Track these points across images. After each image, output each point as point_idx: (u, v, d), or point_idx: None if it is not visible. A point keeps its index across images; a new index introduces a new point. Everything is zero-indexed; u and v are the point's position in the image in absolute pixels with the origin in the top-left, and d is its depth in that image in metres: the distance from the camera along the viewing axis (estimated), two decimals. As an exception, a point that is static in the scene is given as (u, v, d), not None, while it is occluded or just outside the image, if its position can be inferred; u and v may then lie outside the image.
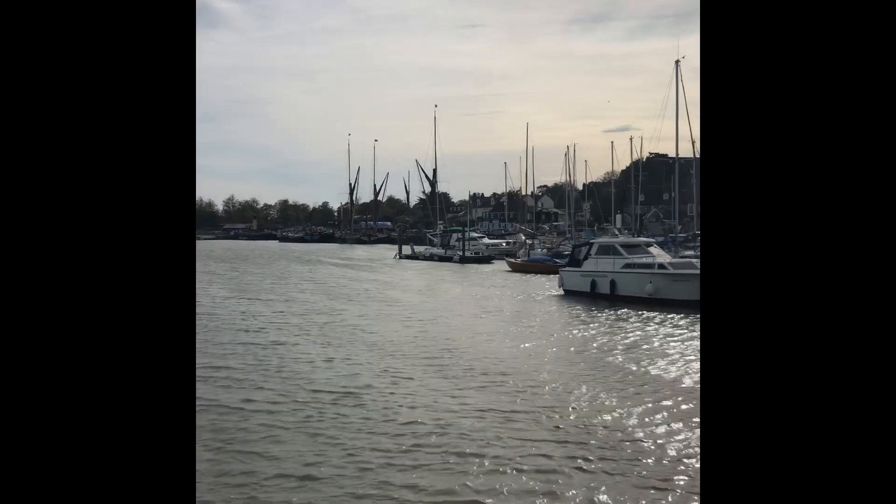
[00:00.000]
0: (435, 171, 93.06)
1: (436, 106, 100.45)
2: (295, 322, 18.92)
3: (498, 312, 21.95)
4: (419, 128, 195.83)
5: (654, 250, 27.46)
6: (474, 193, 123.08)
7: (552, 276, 38.53)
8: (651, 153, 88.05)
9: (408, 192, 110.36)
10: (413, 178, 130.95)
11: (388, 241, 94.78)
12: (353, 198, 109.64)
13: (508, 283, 34.16)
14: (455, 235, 61.25)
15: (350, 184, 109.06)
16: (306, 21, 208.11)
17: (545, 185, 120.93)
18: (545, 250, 53.48)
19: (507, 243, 61.31)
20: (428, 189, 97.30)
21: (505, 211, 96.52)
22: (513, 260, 45.43)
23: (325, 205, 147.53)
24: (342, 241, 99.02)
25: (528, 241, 55.44)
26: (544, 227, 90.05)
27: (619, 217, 72.83)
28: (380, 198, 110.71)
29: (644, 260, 25.99)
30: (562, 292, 28.95)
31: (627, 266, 26.16)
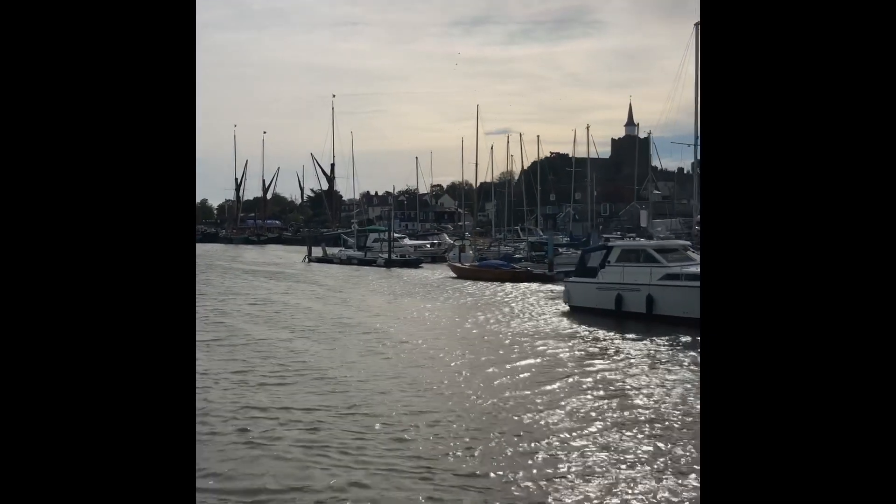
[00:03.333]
0: (333, 165, 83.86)
1: (333, 96, 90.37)
2: (273, 399, 10.33)
3: (554, 359, 14.42)
4: (303, 125, 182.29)
5: (697, 256, 21.05)
6: (367, 191, 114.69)
7: (508, 283, 31.68)
8: (552, 153, 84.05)
9: (302, 189, 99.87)
10: (308, 175, 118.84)
11: (280, 240, 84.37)
12: (240, 194, 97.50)
13: (476, 295, 26.70)
14: (373, 236, 52.90)
15: (236, 178, 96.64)
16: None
17: (440, 185, 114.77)
18: (476, 252, 46.74)
19: (432, 244, 53.78)
20: (325, 185, 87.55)
21: (416, 210, 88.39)
22: (459, 265, 37.85)
23: (203, 202, 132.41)
24: (228, 240, 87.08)
25: (459, 243, 48.28)
26: (448, 227, 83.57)
27: (533, 218, 67.63)
28: (272, 194, 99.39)
29: (694, 269, 19.45)
30: (566, 308, 21.97)
31: (670, 277, 19.51)
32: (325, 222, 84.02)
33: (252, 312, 20.63)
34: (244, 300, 23.86)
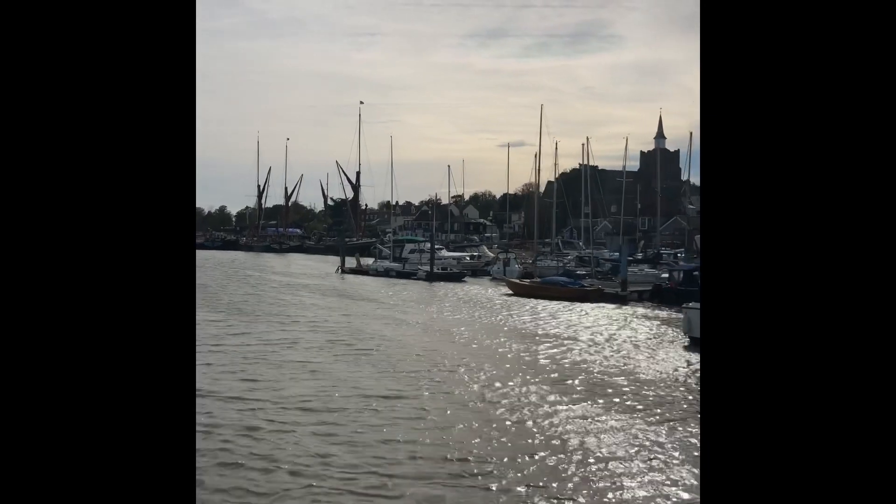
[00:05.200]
0: (358, 174, 79.87)
1: (361, 102, 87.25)
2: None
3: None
4: (319, 134, 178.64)
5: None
6: (387, 201, 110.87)
7: (578, 304, 27.62)
8: (581, 164, 79.82)
9: (326, 197, 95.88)
10: (331, 183, 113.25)
11: (302, 249, 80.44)
12: (262, 201, 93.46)
13: (557, 319, 22.63)
14: (409, 246, 48.89)
15: (259, 185, 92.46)
16: (200, 20, 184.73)
17: (461, 196, 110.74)
18: (521, 266, 42.75)
19: (472, 257, 49.57)
20: (349, 193, 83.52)
21: (448, 221, 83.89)
22: (516, 281, 33.62)
23: (222, 209, 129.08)
24: (248, 248, 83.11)
25: (503, 256, 44.19)
26: (474, 238, 79.52)
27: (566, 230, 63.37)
28: (291, 202, 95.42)
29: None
30: (686, 341, 17.90)
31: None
32: (347, 231, 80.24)
33: (329, 346, 16.36)
34: (306, 325, 19.72)
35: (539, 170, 48.38)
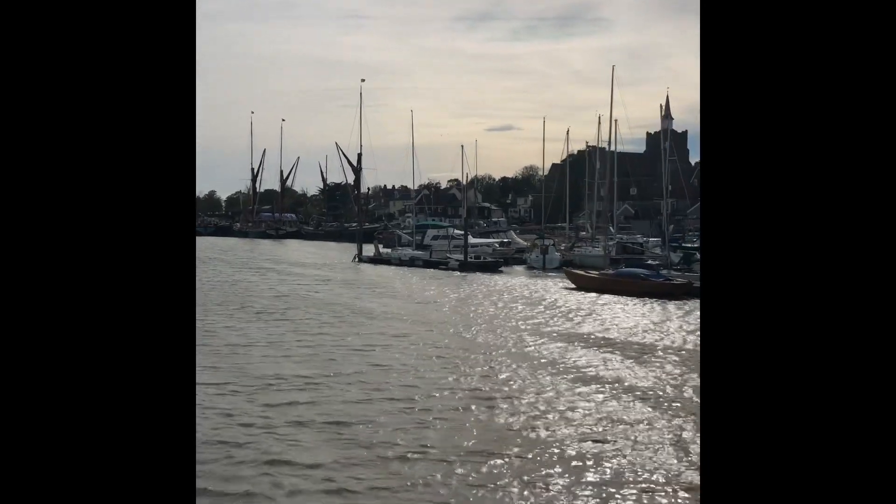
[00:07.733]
0: (360, 156, 74.16)
1: (363, 80, 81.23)
2: None
3: None
4: (309, 119, 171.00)
5: None
6: (384, 185, 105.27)
7: (670, 303, 22.87)
8: (590, 145, 74.80)
9: (325, 180, 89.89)
10: (330, 167, 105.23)
11: (299, 235, 74.96)
12: (257, 185, 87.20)
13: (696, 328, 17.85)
14: (431, 232, 43.83)
15: (252, 168, 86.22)
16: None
17: (456, 180, 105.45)
18: (559, 253, 38.04)
19: (501, 244, 44.48)
20: (350, 177, 77.80)
21: (461, 205, 78.37)
22: (582, 273, 28.53)
23: (211, 194, 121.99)
24: (243, 234, 77.36)
25: (542, 244, 39.22)
26: (480, 223, 74.60)
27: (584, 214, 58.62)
28: (286, 186, 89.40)
29: None
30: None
31: None
32: (344, 216, 74.62)
33: (481, 390, 10.66)
34: (412, 349, 13.96)
35: (609, 140, 42.92)
